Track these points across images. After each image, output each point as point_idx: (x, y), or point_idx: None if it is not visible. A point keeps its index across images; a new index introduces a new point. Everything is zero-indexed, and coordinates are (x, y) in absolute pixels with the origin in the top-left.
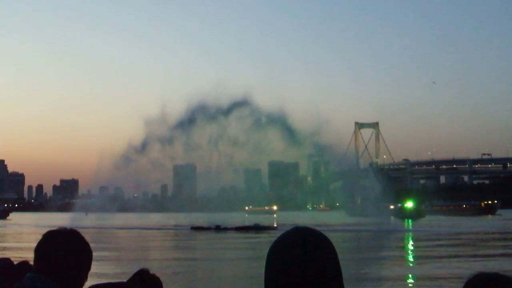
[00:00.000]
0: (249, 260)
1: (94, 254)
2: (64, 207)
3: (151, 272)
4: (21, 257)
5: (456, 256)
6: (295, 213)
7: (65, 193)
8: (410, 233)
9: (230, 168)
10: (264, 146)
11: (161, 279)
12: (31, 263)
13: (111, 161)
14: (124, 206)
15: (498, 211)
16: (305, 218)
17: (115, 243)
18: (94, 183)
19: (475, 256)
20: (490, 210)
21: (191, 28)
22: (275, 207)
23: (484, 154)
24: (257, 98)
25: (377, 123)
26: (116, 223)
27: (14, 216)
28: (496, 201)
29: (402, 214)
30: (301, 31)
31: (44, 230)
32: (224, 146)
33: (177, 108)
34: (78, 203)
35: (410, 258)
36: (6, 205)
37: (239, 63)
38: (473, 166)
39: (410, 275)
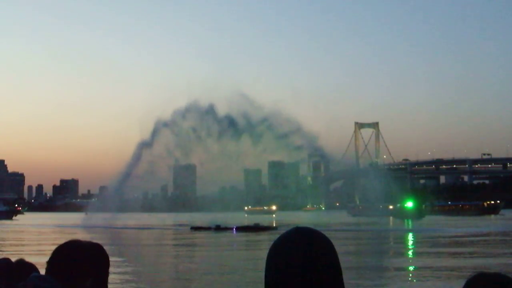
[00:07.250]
0: (248, 260)
1: None
2: (66, 207)
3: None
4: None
5: (456, 256)
6: (294, 213)
7: (65, 193)
8: (410, 234)
9: (230, 167)
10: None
11: (155, 280)
12: (29, 261)
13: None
14: (124, 206)
15: (501, 211)
16: (305, 218)
17: (115, 242)
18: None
19: (475, 256)
20: (493, 210)
21: (187, 28)
22: (274, 207)
23: (484, 154)
24: (254, 98)
25: (377, 123)
26: (116, 223)
27: (18, 217)
28: (499, 201)
29: (402, 214)
30: (300, 30)
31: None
32: (222, 145)
33: (177, 107)
34: (91, 203)
35: (410, 257)
36: (14, 205)
37: (236, 63)
38: (473, 166)
39: (409, 275)
